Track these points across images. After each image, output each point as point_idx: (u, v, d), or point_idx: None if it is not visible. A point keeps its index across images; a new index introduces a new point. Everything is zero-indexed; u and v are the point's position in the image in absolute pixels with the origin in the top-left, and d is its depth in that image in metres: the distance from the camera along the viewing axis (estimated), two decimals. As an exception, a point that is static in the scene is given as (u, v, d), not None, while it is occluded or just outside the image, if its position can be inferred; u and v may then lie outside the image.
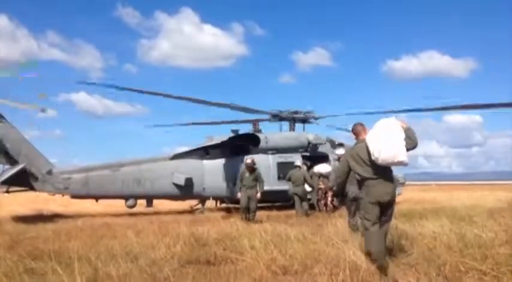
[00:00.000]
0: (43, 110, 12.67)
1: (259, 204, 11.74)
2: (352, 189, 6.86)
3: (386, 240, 5.15)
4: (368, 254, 4.74)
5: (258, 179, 11.50)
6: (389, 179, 4.97)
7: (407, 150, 4.83)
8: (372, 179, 4.92)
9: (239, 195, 11.56)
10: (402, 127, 4.90)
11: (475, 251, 5.07)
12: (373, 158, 4.84)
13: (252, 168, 11.51)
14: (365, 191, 4.97)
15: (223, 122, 18.38)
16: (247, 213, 11.12)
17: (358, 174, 5.06)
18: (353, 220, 7.73)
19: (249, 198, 11.26)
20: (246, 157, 12.01)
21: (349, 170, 5.21)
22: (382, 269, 4.59)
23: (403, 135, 4.82)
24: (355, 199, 6.30)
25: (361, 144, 5.11)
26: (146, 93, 14.78)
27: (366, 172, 4.97)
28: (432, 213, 10.22)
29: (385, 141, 4.76)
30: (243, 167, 11.97)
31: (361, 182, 5.05)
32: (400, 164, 4.88)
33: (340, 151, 11.32)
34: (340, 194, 7.19)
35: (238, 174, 11.88)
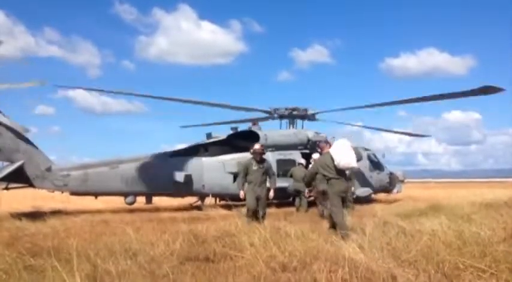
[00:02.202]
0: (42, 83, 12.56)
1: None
2: (322, 186, 8.61)
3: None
4: (337, 223, 7.03)
5: (268, 173, 9.27)
6: (345, 179, 7.48)
7: (357, 160, 7.76)
8: (335, 178, 7.29)
9: (241, 193, 9.27)
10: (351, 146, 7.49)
11: (473, 249, 5.09)
12: (335, 164, 7.22)
13: (261, 158, 9.19)
14: (330, 186, 7.35)
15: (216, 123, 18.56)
16: (256, 218, 8.71)
17: (325, 176, 7.37)
18: (321, 208, 10.41)
19: (257, 198, 8.93)
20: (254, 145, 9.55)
21: (316, 173, 7.62)
22: (346, 237, 6.23)
23: (353, 150, 7.39)
24: (324, 192, 8.23)
25: (327, 155, 7.42)
26: (137, 95, 14.78)
27: (331, 174, 7.30)
28: (431, 210, 10.23)
29: (343, 154, 7.21)
30: (247, 158, 9.65)
31: (328, 181, 7.38)
32: (353, 168, 7.68)
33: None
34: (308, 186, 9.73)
35: (241, 167, 9.68)
